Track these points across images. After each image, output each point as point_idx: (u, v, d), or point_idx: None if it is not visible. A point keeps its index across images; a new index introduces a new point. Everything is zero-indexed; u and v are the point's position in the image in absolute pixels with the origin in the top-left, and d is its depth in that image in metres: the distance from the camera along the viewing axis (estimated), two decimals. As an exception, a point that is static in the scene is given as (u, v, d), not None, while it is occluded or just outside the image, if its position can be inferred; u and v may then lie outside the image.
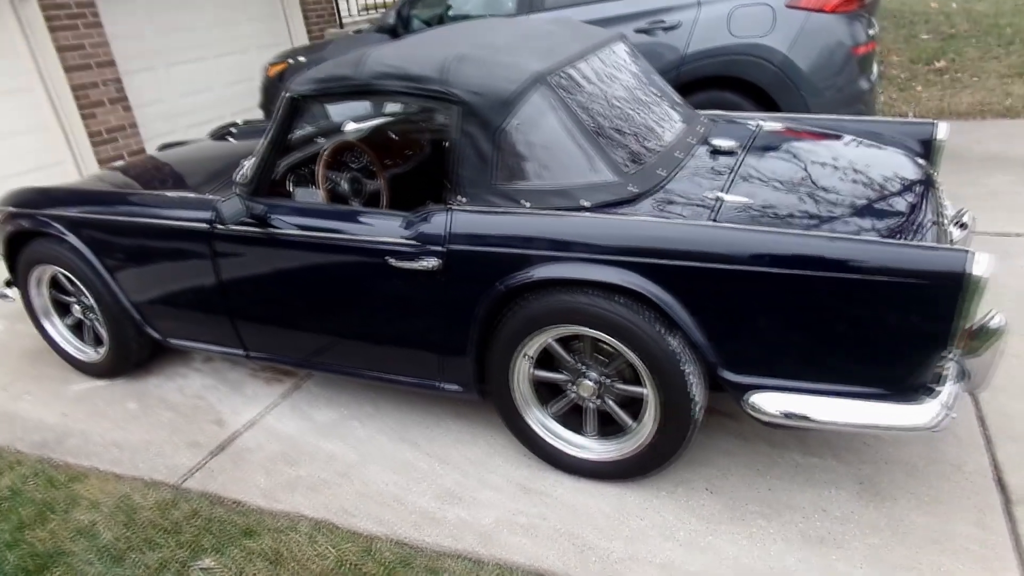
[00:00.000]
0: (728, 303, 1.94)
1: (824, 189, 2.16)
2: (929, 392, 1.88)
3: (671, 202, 2.11)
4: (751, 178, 2.23)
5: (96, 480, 2.54)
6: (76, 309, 3.15)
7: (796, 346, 1.92)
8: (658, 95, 2.64)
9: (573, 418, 2.31)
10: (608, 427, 2.27)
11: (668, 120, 2.53)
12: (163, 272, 2.78)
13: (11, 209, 3.03)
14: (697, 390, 2.04)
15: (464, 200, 2.21)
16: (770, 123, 2.77)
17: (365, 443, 2.61)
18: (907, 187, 2.23)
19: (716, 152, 2.42)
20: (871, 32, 4.21)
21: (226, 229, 2.54)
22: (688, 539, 2.06)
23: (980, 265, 1.69)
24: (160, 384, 3.14)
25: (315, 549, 2.14)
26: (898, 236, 1.93)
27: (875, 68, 4.43)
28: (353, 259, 2.34)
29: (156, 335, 2.97)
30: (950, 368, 1.93)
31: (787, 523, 2.08)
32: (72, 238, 2.89)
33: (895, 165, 2.38)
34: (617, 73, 2.54)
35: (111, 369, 3.16)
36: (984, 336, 1.90)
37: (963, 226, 2.59)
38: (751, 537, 2.04)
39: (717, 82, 4.22)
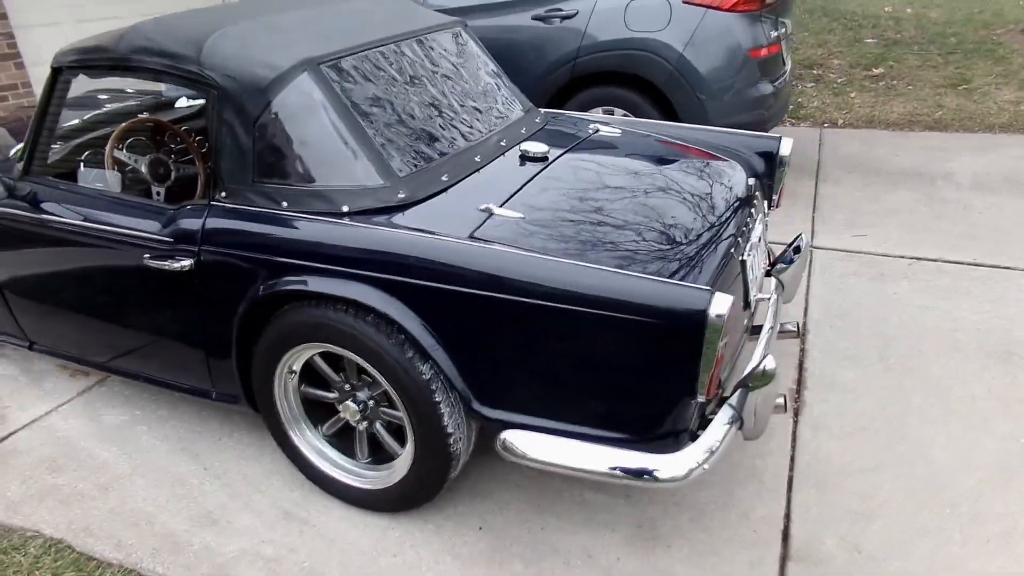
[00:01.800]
0: (474, 330, 1.75)
1: (615, 207, 1.96)
2: (688, 439, 1.71)
3: (441, 212, 1.90)
4: (544, 190, 2.03)
5: None
6: None
7: (542, 382, 1.74)
8: (483, 92, 2.42)
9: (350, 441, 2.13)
10: (382, 454, 2.09)
11: (483, 121, 2.31)
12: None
13: None
14: (453, 422, 1.86)
15: (224, 196, 1.99)
16: (606, 128, 2.56)
17: (144, 452, 2.41)
18: (714, 209, 2.04)
19: (525, 158, 2.22)
20: (775, 33, 4.01)
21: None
22: (488, 565, 1.89)
23: (719, 306, 1.51)
24: (-43, 372, 2.91)
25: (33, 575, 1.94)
26: (671, 266, 1.73)
27: (784, 72, 4.24)
28: (113, 252, 2.12)
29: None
30: (721, 413, 1.77)
31: (546, 569, 1.91)
32: None
33: (716, 184, 2.20)
34: (434, 65, 2.32)
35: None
36: (756, 379, 1.73)
37: (797, 250, 2.43)
38: (502, 584, 1.87)
39: (615, 78, 4.01)
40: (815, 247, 3.63)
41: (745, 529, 2.00)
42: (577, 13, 3.98)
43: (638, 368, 1.63)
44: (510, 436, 1.78)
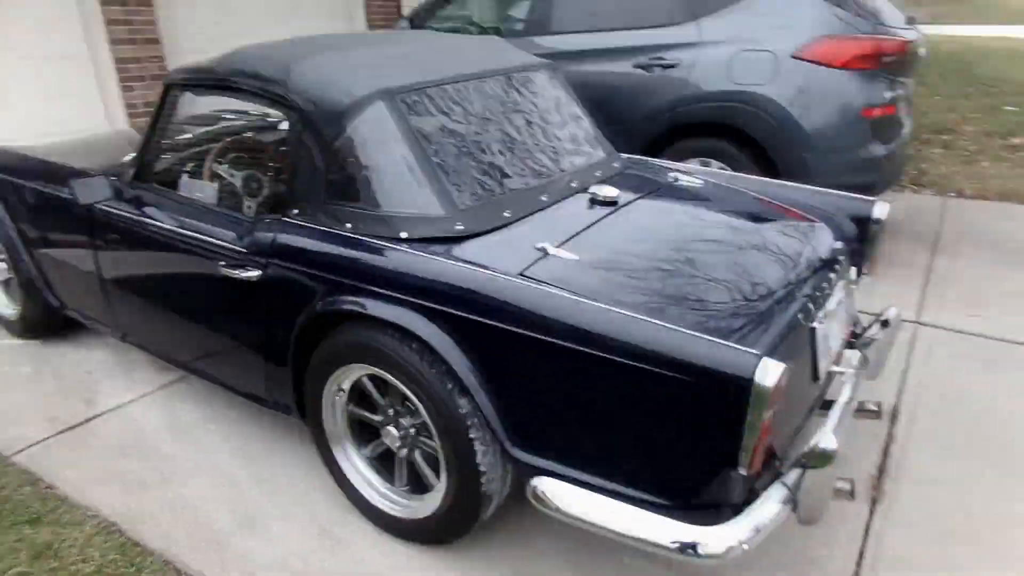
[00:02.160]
0: (515, 370, 1.71)
1: (678, 258, 1.88)
2: (731, 514, 1.58)
3: (497, 247, 1.89)
4: (606, 235, 1.98)
5: (-55, 438, 2.56)
6: (2, 268, 3.23)
7: (579, 431, 1.67)
8: (560, 133, 2.42)
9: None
10: (420, 485, 2.07)
11: (556, 161, 2.30)
12: (58, 242, 2.80)
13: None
14: (488, 462, 1.81)
15: (296, 213, 2.08)
16: (686, 177, 2.49)
17: (206, 451, 2.51)
18: (786, 270, 1.92)
19: (594, 201, 2.18)
20: (892, 94, 3.79)
21: (100, 209, 2.52)
22: None
23: (768, 373, 1.40)
24: (64, 353, 3.17)
25: (84, 553, 2.04)
26: (725, 324, 1.63)
27: (900, 134, 3.99)
28: (195, 257, 2.26)
29: (55, 302, 2.99)
30: (771, 490, 1.63)
31: (567, 630, 1.81)
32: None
33: (793, 243, 2.07)
34: (513, 103, 2.34)
35: (24, 329, 3.21)
36: (813, 459, 1.59)
37: (885, 323, 2.24)
38: (518, 638, 1.79)
39: (715, 130, 3.91)
40: (922, 323, 3.34)
41: (793, 622, 1.82)
42: (679, 63, 3.93)
43: (677, 430, 1.53)
44: (542, 484, 1.71)
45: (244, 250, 2.12)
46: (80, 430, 2.63)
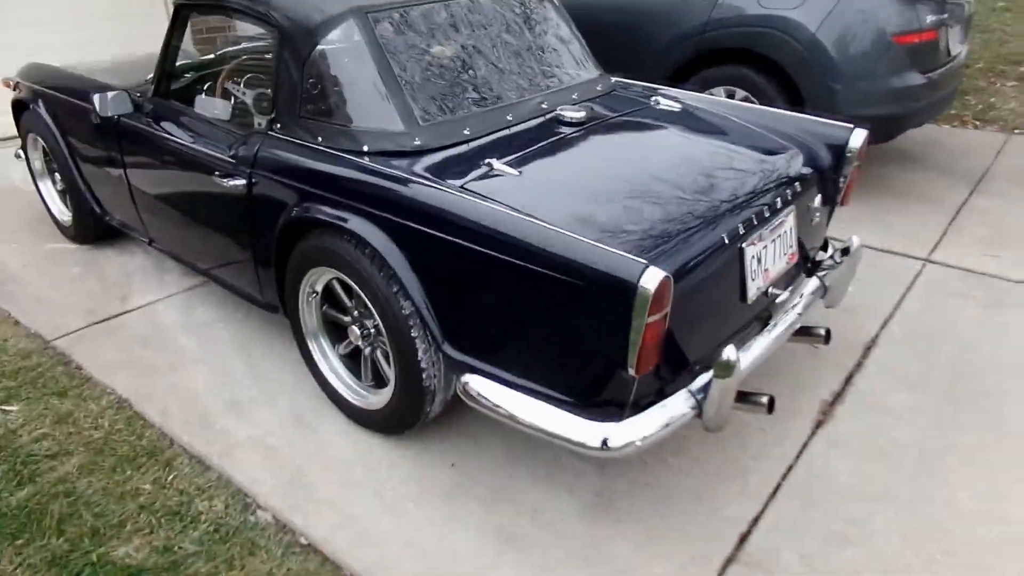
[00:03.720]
0: (445, 274, 1.85)
1: (618, 176, 1.95)
2: (630, 413, 1.70)
3: (449, 163, 2.00)
4: (557, 154, 2.06)
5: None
6: (57, 178, 3.57)
7: (500, 333, 1.81)
8: (540, 55, 2.46)
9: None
10: (383, 380, 2.27)
11: (529, 82, 2.35)
12: (95, 154, 3.08)
13: (17, 80, 3.47)
14: (427, 359, 1.98)
15: (278, 128, 2.24)
16: (667, 101, 2.49)
17: (212, 345, 2.79)
18: (728, 193, 1.95)
19: (559, 121, 2.24)
20: (935, 17, 3.57)
21: (124, 122, 2.76)
22: (391, 502, 2.04)
23: (650, 279, 1.48)
24: (110, 256, 3.51)
25: (96, 422, 2.36)
26: (635, 237, 1.69)
27: (946, 62, 3.77)
28: (198, 168, 2.47)
29: (97, 210, 3.31)
30: (676, 396, 1.74)
31: (495, 514, 1.99)
32: (43, 111, 3.27)
33: (747, 168, 2.08)
34: (492, 24, 2.39)
35: (76, 235, 3.58)
36: (717, 369, 1.68)
37: (846, 251, 2.25)
38: (449, 516, 1.98)
39: (742, 56, 3.80)
40: (931, 260, 3.25)
41: (705, 524, 1.94)
42: (711, -15, 3.81)
43: (576, 332, 1.65)
44: (470, 379, 1.87)
45: (233, 161, 2.31)
46: (112, 323, 2.96)
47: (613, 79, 2.68)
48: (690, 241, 1.74)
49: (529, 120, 2.25)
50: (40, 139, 3.44)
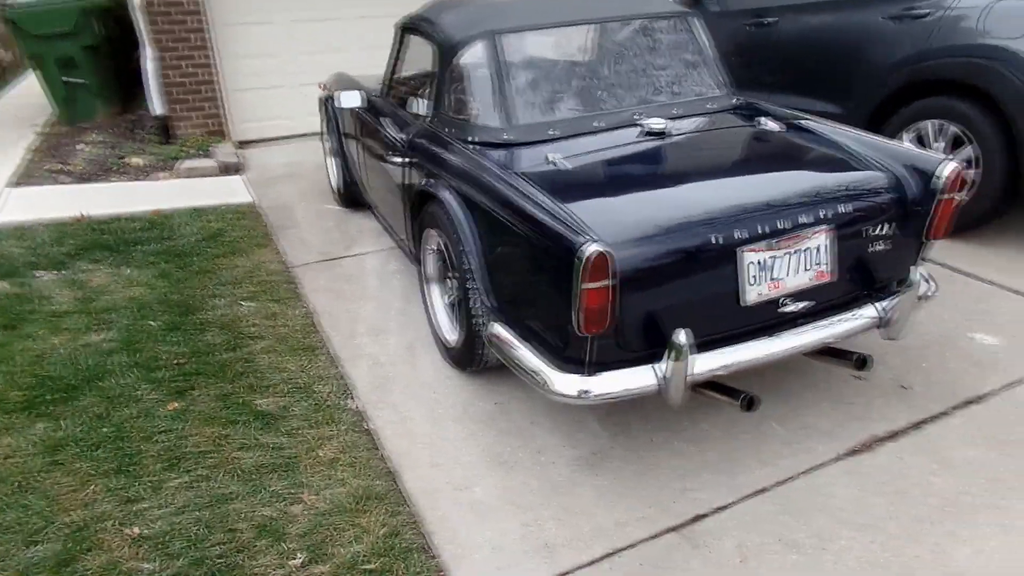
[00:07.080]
0: (491, 239, 2.32)
1: (654, 177, 2.24)
2: (596, 371, 2.00)
3: (526, 155, 2.45)
4: (618, 155, 2.40)
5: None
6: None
7: (513, 287, 2.23)
8: (655, 72, 2.75)
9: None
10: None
11: (632, 96, 2.67)
12: (350, 137, 4.12)
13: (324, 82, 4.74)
14: (478, 308, 2.44)
15: (430, 120, 2.91)
16: (772, 123, 2.60)
17: (390, 289, 3.58)
18: (748, 204, 2.09)
19: (642, 131, 2.53)
20: None
21: (360, 113, 3.71)
22: (437, 416, 2.55)
23: (588, 251, 1.78)
24: (356, 219, 4.55)
25: (288, 321, 3.28)
26: (618, 222, 1.97)
27: None
28: (388, 146, 3.26)
29: (350, 181, 4.37)
30: (642, 368, 1.99)
31: (507, 447, 2.38)
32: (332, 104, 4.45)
33: (790, 185, 2.18)
34: (616, 44, 2.77)
35: (342, 200, 4.71)
36: (672, 351, 1.90)
37: (904, 282, 2.19)
38: (469, 436, 2.43)
39: (957, 89, 3.52)
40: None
41: (672, 499, 2.10)
42: (929, 14, 3.60)
43: (547, 287, 2.03)
44: (494, 328, 2.32)
45: (401, 144, 3.04)
46: (333, 262, 3.94)
47: (736, 99, 2.84)
48: (670, 236, 1.96)
49: (615, 127, 2.58)
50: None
